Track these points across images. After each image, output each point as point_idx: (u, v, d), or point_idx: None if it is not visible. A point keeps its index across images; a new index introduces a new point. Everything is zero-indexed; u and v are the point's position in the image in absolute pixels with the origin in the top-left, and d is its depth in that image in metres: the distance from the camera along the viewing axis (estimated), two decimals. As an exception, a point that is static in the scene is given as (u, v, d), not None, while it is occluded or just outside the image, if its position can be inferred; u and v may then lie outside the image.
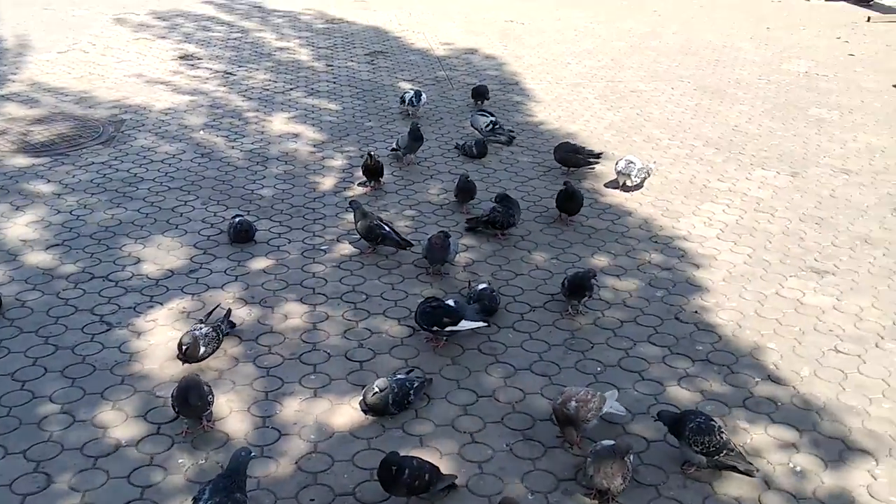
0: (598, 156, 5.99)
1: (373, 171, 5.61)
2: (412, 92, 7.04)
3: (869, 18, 11.12)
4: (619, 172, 5.62)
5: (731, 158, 6.27)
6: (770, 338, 4.04)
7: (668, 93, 7.82)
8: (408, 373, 3.66)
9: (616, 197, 5.58)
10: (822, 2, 12.54)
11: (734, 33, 10.31)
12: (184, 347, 3.62)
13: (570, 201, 5.12)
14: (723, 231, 5.14)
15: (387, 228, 4.74)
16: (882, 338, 4.03)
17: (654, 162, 5.86)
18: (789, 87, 8.11)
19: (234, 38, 9.55)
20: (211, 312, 4.00)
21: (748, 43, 9.85)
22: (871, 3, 12.12)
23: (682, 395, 3.62)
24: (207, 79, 7.95)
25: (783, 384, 3.70)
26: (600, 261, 4.76)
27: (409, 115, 7.00)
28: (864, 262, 4.76)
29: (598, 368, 3.80)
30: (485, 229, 5.02)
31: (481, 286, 4.25)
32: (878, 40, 9.99)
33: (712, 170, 6.06)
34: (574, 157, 5.91)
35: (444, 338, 3.93)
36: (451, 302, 4.02)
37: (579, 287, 4.16)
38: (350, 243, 4.89)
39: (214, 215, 5.19)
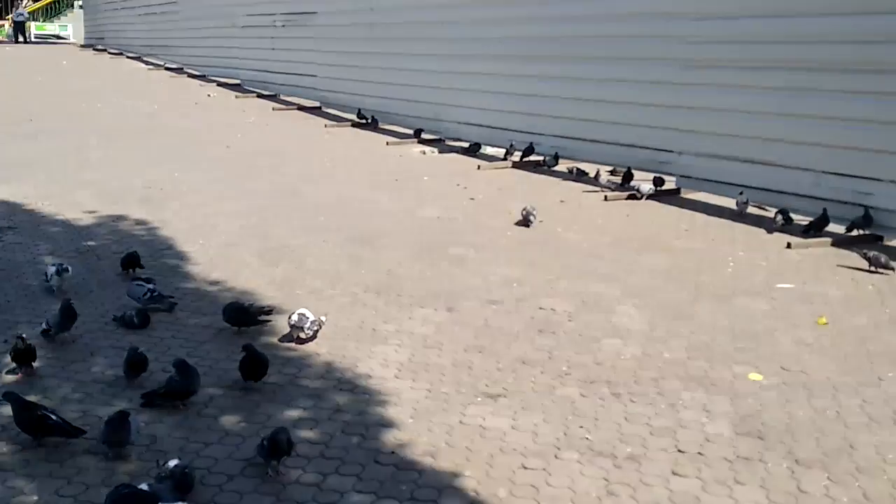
0: (269, 312, 6.01)
1: (24, 356, 5.10)
2: (55, 266, 6.58)
3: (479, 167, 12.56)
4: (292, 326, 5.68)
5: (391, 301, 6.62)
6: (464, 466, 4.25)
7: (321, 245, 8.12)
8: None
9: (294, 350, 5.61)
10: (437, 154, 13.95)
11: (368, 187, 11.05)
12: None
13: (253, 366, 5.04)
14: (400, 370, 5.37)
15: (53, 417, 4.30)
16: (559, 449, 4.43)
17: (326, 314, 6.00)
18: (427, 231, 8.83)
19: None
20: None
21: (377, 194, 10.60)
22: (477, 153, 13.72)
23: (398, 538, 3.65)
24: None
25: (487, 507, 3.90)
26: (291, 416, 4.71)
27: (54, 291, 6.50)
28: (527, 382, 5.23)
29: (312, 527, 3.72)
30: (164, 401, 4.75)
31: (172, 463, 3.99)
32: (490, 185, 11.29)
33: (377, 313, 6.35)
34: (244, 316, 5.87)
35: (141, 527, 3.61)
36: (143, 486, 3.72)
37: (278, 447, 4.08)
38: (9, 440, 4.34)
39: None
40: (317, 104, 18.60)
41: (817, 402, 4.93)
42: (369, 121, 16.58)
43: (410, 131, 15.44)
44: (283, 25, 19.73)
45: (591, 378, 5.27)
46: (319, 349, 5.64)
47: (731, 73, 9.71)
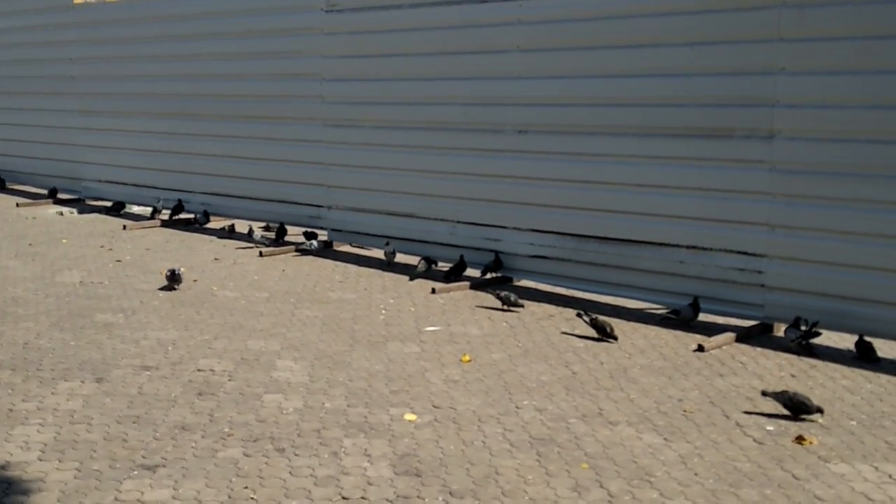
0: None
1: None
2: None
3: (125, 227, 11.97)
4: None
5: (31, 377, 6.07)
6: (123, 545, 4.01)
7: (-61, 321, 7.23)
8: None
9: (-90, 444, 4.92)
10: (77, 215, 13.08)
11: (-4, 252, 10.07)
12: None
13: None
14: (44, 451, 4.93)
15: None
16: (224, 512, 4.34)
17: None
18: (69, 297, 8.23)
19: None
20: None
21: (8, 260, 9.73)
22: (122, 212, 13.08)
23: None
24: None
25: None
26: (-89, 520, 4.13)
27: None
28: (188, 447, 5.06)
29: None
30: None
31: None
32: (138, 245, 10.81)
33: (14, 391, 5.79)
34: None
35: None
36: None
37: None
38: None
39: None
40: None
41: (466, 434, 5.33)
42: (-6, 181, 15.17)
43: (45, 191, 14.36)
44: None
45: (254, 436, 5.23)
46: (-56, 439, 5.01)
47: (369, 131, 10.30)
